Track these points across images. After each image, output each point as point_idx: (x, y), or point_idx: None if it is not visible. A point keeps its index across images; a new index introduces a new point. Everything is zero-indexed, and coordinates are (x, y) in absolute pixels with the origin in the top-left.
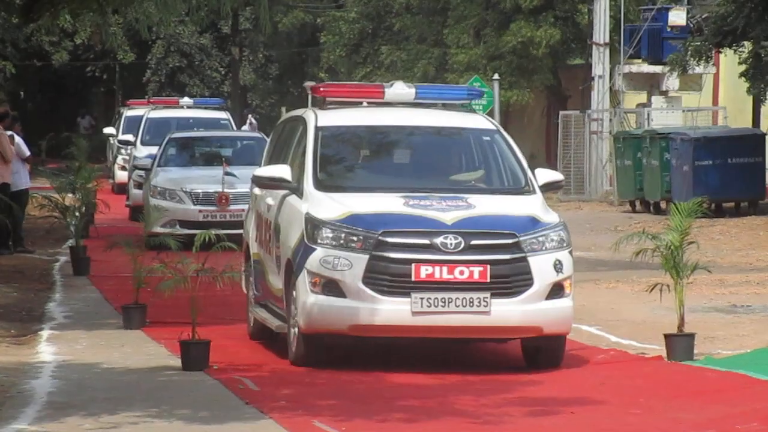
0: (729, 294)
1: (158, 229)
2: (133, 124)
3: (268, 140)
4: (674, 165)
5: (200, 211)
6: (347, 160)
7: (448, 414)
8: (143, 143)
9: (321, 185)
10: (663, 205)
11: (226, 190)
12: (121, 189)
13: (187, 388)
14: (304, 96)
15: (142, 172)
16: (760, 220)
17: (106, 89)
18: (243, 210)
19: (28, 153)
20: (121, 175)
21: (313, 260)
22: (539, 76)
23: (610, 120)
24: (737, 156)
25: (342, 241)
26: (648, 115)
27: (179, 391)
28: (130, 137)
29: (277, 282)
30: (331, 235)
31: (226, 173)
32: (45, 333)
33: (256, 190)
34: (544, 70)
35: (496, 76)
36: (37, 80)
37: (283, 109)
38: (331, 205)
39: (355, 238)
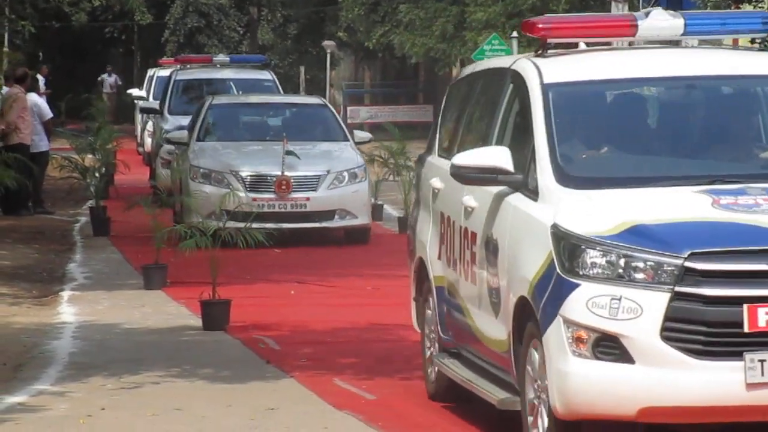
0: None
1: (200, 222)
2: (165, 87)
3: (442, 107)
4: None
5: (254, 199)
6: (599, 137)
7: None
8: (171, 111)
9: (567, 178)
10: None
11: (286, 174)
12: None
13: (207, 348)
14: (323, 56)
15: (172, 147)
16: None
17: (125, 50)
18: (307, 198)
19: (49, 115)
20: (151, 144)
21: (575, 303)
22: None
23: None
24: None
25: (622, 271)
26: None
27: (200, 351)
28: (155, 104)
29: (493, 329)
30: (603, 260)
31: (287, 152)
32: (66, 294)
33: (435, 181)
34: None
35: (514, 34)
36: (56, 41)
37: (302, 68)
38: (595, 211)
39: (643, 266)
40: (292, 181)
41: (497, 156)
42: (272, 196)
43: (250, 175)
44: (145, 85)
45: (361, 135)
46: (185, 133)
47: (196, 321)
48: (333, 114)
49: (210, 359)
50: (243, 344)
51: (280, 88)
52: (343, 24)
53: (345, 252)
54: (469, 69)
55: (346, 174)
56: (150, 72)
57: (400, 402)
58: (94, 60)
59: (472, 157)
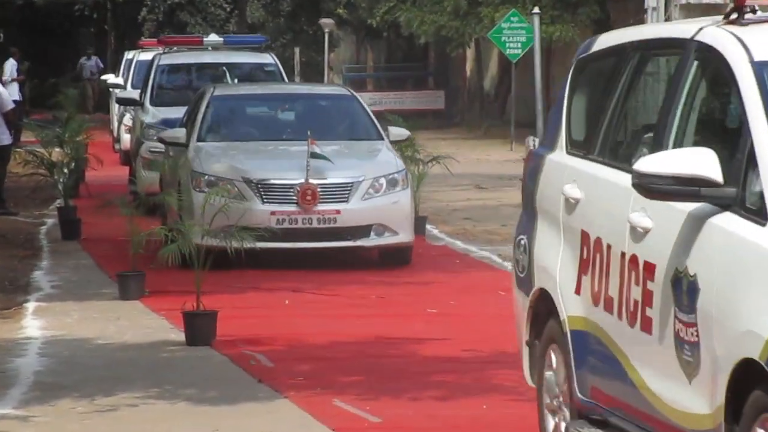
0: None
1: (204, 240)
2: (147, 73)
3: (567, 88)
4: None
5: (272, 213)
6: None
7: (487, 390)
8: (153, 102)
9: None
10: None
11: (311, 181)
12: (130, 158)
13: (192, 365)
14: (320, 36)
15: (157, 145)
16: None
17: (97, 30)
18: (337, 211)
19: (9, 105)
20: (129, 140)
21: None
22: (585, 9)
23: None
24: None
25: None
26: None
27: (183, 369)
28: (134, 94)
29: (683, 397)
30: None
31: (313, 154)
32: (31, 305)
33: (571, 189)
34: (590, 1)
35: (536, 10)
36: (19, 20)
37: (297, 50)
38: None
39: None
40: (318, 190)
41: (701, 161)
42: (294, 208)
43: (267, 184)
44: (122, 71)
45: (397, 132)
46: (182, 132)
47: (179, 335)
48: (362, 106)
49: (194, 378)
50: (231, 361)
51: (284, 75)
52: (342, 0)
53: (346, 254)
54: (611, 38)
55: (383, 180)
56: (128, 55)
57: (409, 425)
58: (63, 42)
59: (665, 163)
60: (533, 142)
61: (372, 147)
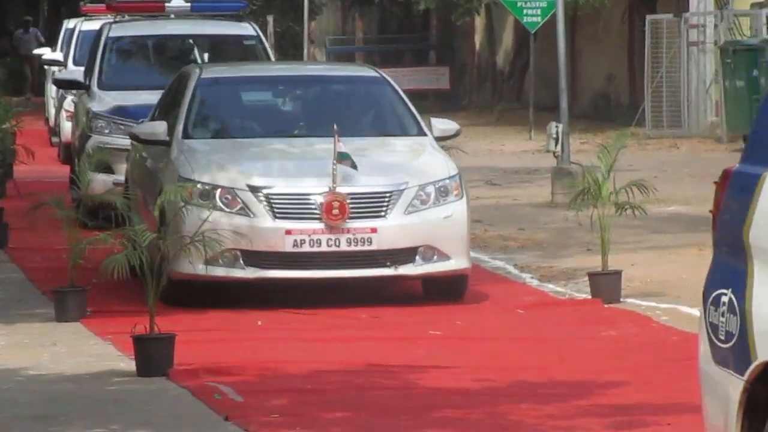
0: None
1: (200, 269)
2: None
3: None
4: None
5: (288, 232)
6: None
7: (500, 428)
8: (102, 86)
9: None
10: None
11: (339, 190)
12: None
13: (144, 399)
14: (299, 0)
15: (103, 139)
16: None
17: None
18: (373, 230)
19: None
20: (71, 131)
21: None
22: None
23: (716, 26)
24: None
25: None
26: (767, 18)
27: (133, 405)
28: (76, 73)
29: None
30: None
31: (340, 155)
32: None
33: None
34: None
35: None
36: None
37: (270, 18)
38: None
39: None
40: (348, 201)
41: None
42: (317, 226)
43: (280, 194)
44: (60, 45)
45: (444, 125)
46: (162, 126)
47: (128, 363)
48: (397, 93)
49: (147, 415)
50: (192, 394)
51: (269, 50)
52: None
53: (383, 285)
54: None
55: (431, 189)
56: (68, 25)
57: None
58: None
59: None
60: (557, 129)
61: (413, 145)
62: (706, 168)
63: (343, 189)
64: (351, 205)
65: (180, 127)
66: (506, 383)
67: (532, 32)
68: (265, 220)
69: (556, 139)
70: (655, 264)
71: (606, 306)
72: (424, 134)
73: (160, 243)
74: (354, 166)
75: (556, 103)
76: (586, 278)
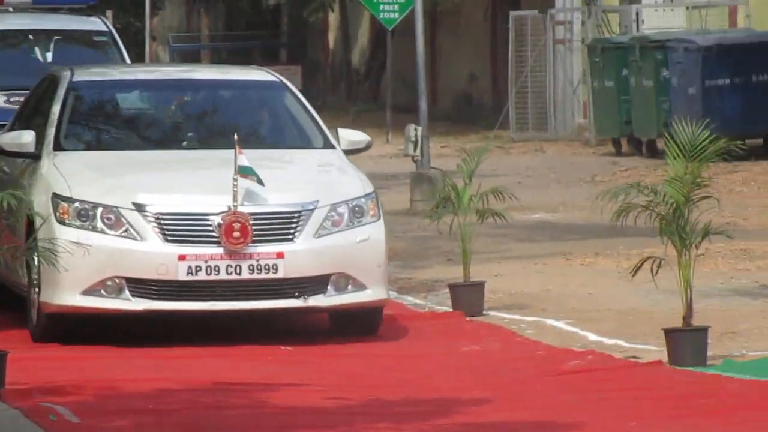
0: (757, 270)
1: (77, 300)
2: None
3: None
4: (675, 86)
5: (181, 257)
6: None
7: None
8: None
9: None
10: (660, 143)
11: (241, 209)
12: None
13: None
14: None
15: None
16: None
17: None
18: (279, 255)
19: None
20: None
21: None
22: None
23: (583, 23)
24: (766, 71)
25: None
26: (637, 15)
27: None
28: None
29: None
30: None
31: (242, 170)
32: None
33: None
34: None
35: None
36: None
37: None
38: None
39: None
40: (251, 222)
41: None
42: (215, 251)
43: (172, 214)
44: None
45: (353, 137)
46: (29, 135)
47: None
48: (299, 100)
49: None
50: (24, 416)
51: (122, 49)
52: None
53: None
54: None
55: (345, 209)
56: None
57: None
58: None
59: None
60: (416, 132)
61: (321, 159)
62: (574, 173)
63: (245, 208)
64: (254, 227)
65: (51, 138)
66: (362, 401)
67: (390, 29)
68: (154, 244)
69: (415, 143)
70: (519, 275)
71: (468, 319)
72: (332, 147)
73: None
74: (260, 182)
75: (414, 104)
76: (447, 290)
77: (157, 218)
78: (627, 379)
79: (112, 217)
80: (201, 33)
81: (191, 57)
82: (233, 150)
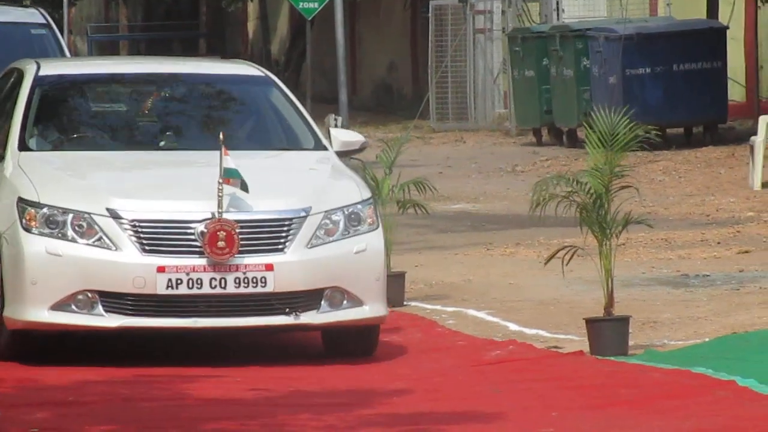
0: (678, 259)
1: (45, 316)
2: None
3: None
4: (596, 75)
5: (160, 269)
6: None
7: None
8: None
9: None
10: (581, 133)
11: (226, 216)
12: None
13: None
14: None
15: None
16: (719, 151)
17: None
18: (267, 267)
19: None
20: None
21: None
22: None
23: (503, 12)
24: (687, 60)
25: None
26: (558, 4)
27: None
28: None
29: None
30: None
31: (227, 173)
32: None
33: None
34: None
35: None
36: None
37: (27, 3)
38: None
39: None
40: (238, 231)
41: None
42: (198, 262)
43: (150, 221)
44: None
45: (347, 137)
46: None
47: None
48: (288, 97)
49: None
50: None
51: (62, 42)
52: None
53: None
54: None
55: (340, 217)
56: None
57: None
58: None
59: None
60: (336, 122)
61: (313, 162)
62: (494, 163)
63: (230, 215)
64: (241, 236)
65: (15, 137)
66: (283, 393)
67: (309, 19)
68: (130, 254)
69: None
70: (440, 265)
71: (389, 309)
72: (324, 148)
73: None
74: (245, 188)
75: (335, 94)
76: None
77: (134, 226)
78: (548, 369)
79: (84, 224)
80: (119, 24)
81: (110, 48)
82: (217, 151)
